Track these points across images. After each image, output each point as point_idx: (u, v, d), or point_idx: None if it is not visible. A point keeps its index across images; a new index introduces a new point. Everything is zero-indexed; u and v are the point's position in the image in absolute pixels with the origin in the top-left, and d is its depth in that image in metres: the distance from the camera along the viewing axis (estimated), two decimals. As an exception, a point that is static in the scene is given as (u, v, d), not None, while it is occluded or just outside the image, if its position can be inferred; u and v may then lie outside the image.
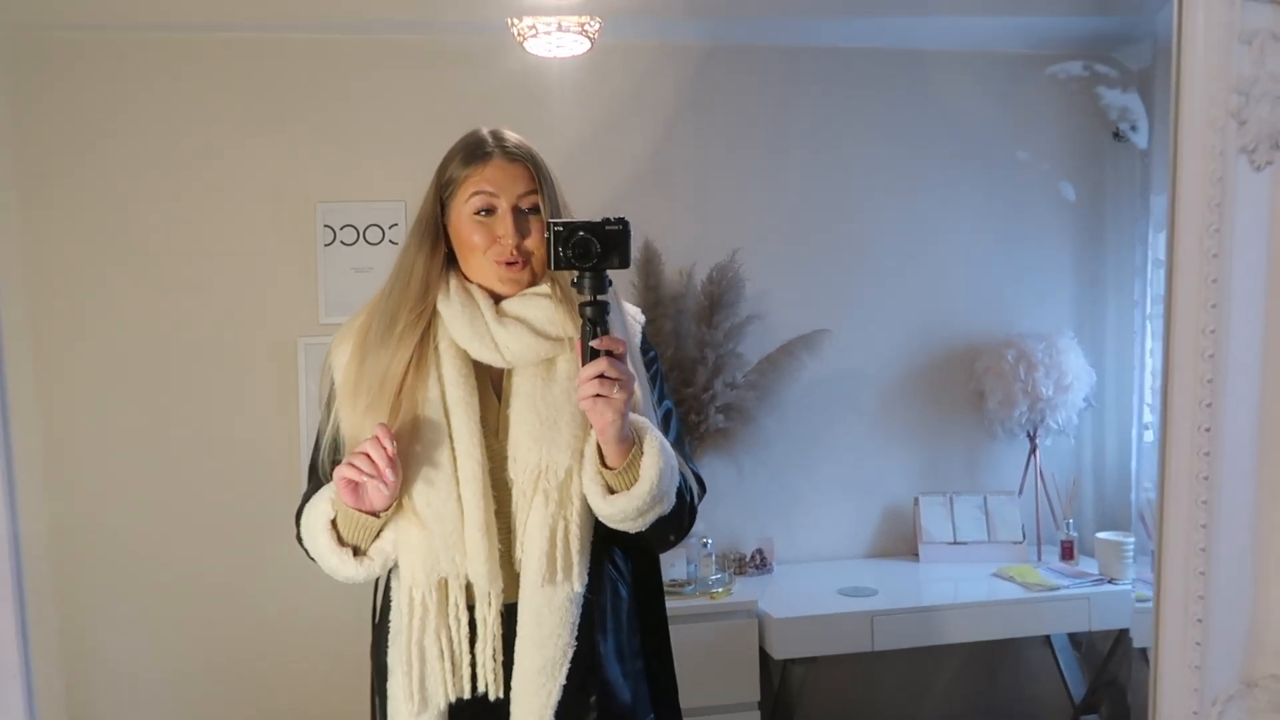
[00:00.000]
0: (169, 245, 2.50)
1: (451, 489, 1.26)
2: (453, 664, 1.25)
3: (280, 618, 2.51)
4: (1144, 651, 2.50)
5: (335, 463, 1.30)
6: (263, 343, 2.54)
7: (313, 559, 1.33)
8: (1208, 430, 0.65)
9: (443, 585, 1.26)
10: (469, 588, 1.27)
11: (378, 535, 1.29)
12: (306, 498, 1.36)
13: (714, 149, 2.77)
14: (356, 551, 1.29)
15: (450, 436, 1.28)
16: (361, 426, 1.27)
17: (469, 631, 1.26)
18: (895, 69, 2.85)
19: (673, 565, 2.44)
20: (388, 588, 1.35)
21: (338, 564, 1.28)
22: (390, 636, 1.31)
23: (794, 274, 2.81)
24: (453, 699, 1.26)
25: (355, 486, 1.23)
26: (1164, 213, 2.53)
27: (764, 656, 2.40)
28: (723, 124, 2.77)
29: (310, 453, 1.39)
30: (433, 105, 2.57)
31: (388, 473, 1.20)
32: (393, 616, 1.32)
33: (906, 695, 2.88)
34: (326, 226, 2.58)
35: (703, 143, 2.76)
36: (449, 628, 1.26)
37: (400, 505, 1.27)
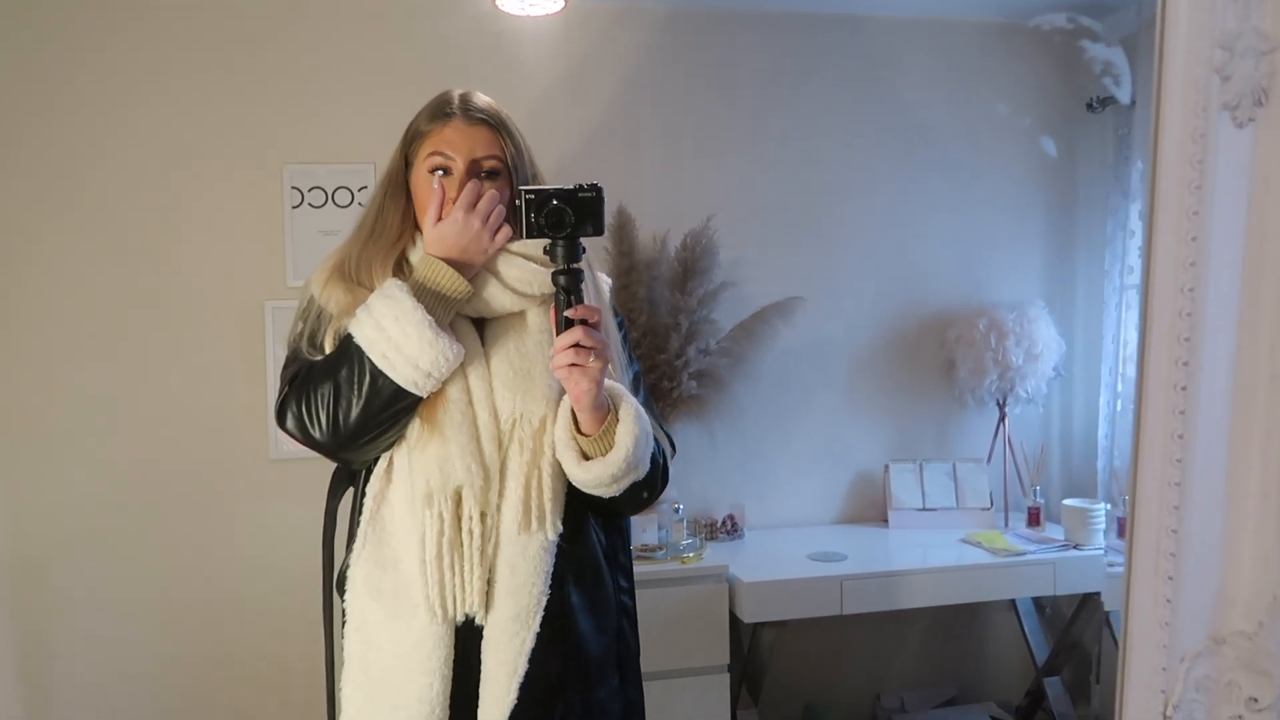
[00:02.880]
0: (133, 208, 2.44)
1: (466, 401, 1.26)
2: (462, 578, 1.25)
3: (247, 584, 2.49)
4: (1108, 615, 2.55)
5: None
6: (229, 307, 2.50)
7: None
8: (1183, 389, 0.65)
9: (457, 495, 1.25)
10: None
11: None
12: (298, 368, 1.31)
13: (689, 113, 2.74)
14: None
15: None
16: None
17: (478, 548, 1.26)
18: (871, 36, 2.83)
19: (644, 530, 2.45)
20: (357, 511, 1.33)
21: (433, 344, 1.21)
22: (385, 553, 1.29)
23: (768, 241, 2.81)
24: (470, 612, 1.26)
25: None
26: (1133, 183, 2.54)
27: (734, 620, 2.41)
28: (698, 88, 2.74)
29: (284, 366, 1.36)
30: (402, 65, 2.52)
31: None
32: (387, 531, 1.30)
33: (874, 658, 2.92)
34: (294, 188, 2.53)
35: (678, 107, 2.73)
36: (463, 542, 1.25)
37: (427, 412, 1.27)
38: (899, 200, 2.89)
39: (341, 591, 1.34)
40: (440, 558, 1.24)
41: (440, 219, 1.28)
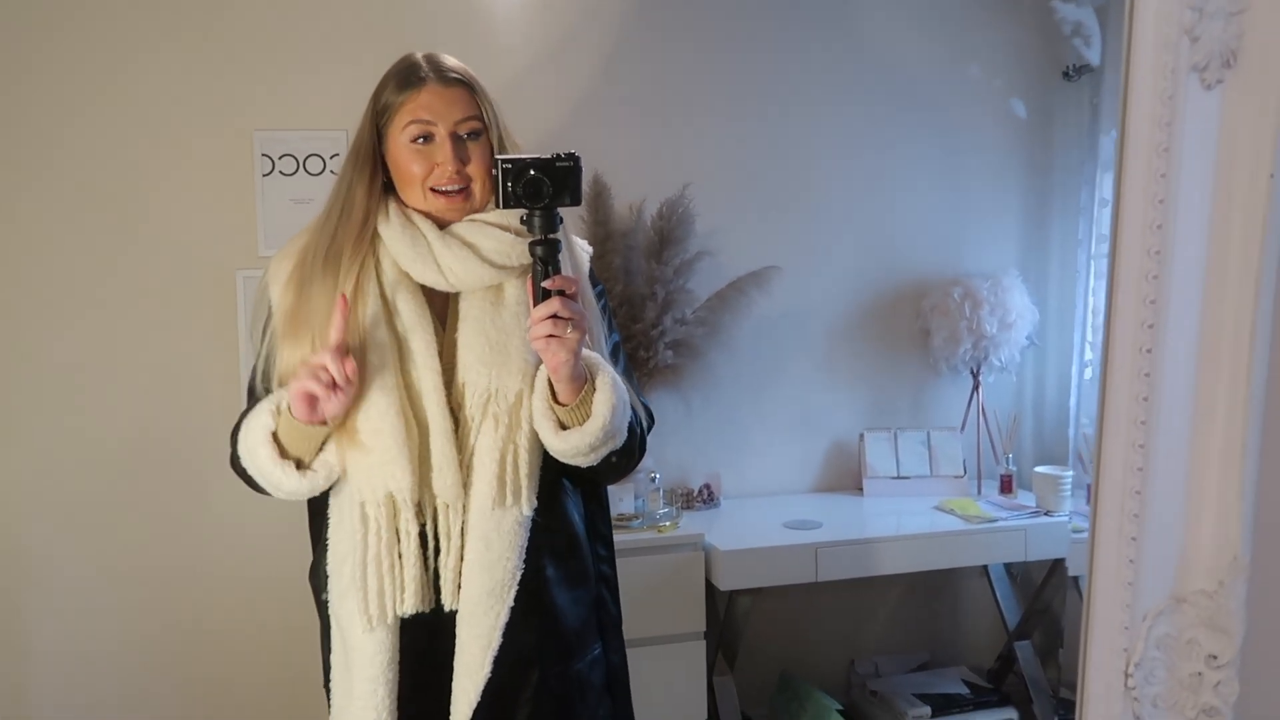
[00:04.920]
0: (99, 175, 2.39)
1: (394, 405, 1.24)
2: (403, 580, 1.25)
3: (222, 553, 2.48)
4: (1076, 580, 2.59)
5: (268, 390, 1.29)
6: (199, 276, 2.46)
7: (249, 480, 1.31)
8: (1149, 352, 0.65)
9: (390, 501, 1.25)
10: (422, 503, 1.27)
11: (321, 447, 1.26)
12: (243, 416, 1.33)
13: (666, 82, 2.72)
14: (299, 465, 1.27)
15: (399, 354, 1.27)
16: (298, 358, 1.26)
17: (422, 546, 1.26)
18: (847, 5, 2.81)
19: (620, 500, 2.45)
20: (326, 508, 1.34)
21: (280, 478, 1.25)
22: (334, 557, 1.30)
23: (744, 210, 2.80)
24: (404, 614, 1.26)
25: (312, 400, 1.19)
26: (1108, 153, 2.54)
27: (710, 588, 2.43)
28: (674, 57, 2.72)
29: (249, 375, 1.37)
30: (375, 30, 2.48)
31: (346, 387, 1.19)
32: (333, 536, 1.31)
33: (849, 624, 2.96)
34: (264, 156, 2.49)
35: (653, 75, 2.71)
36: (399, 543, 1.25)
37: (344, 423, 1.26)
38: (875, 171, 2.89)
39: (314, 587, 1.36)
40: (364, 565, 1.25)
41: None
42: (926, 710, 2.64)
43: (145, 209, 2.42)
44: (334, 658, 1.32)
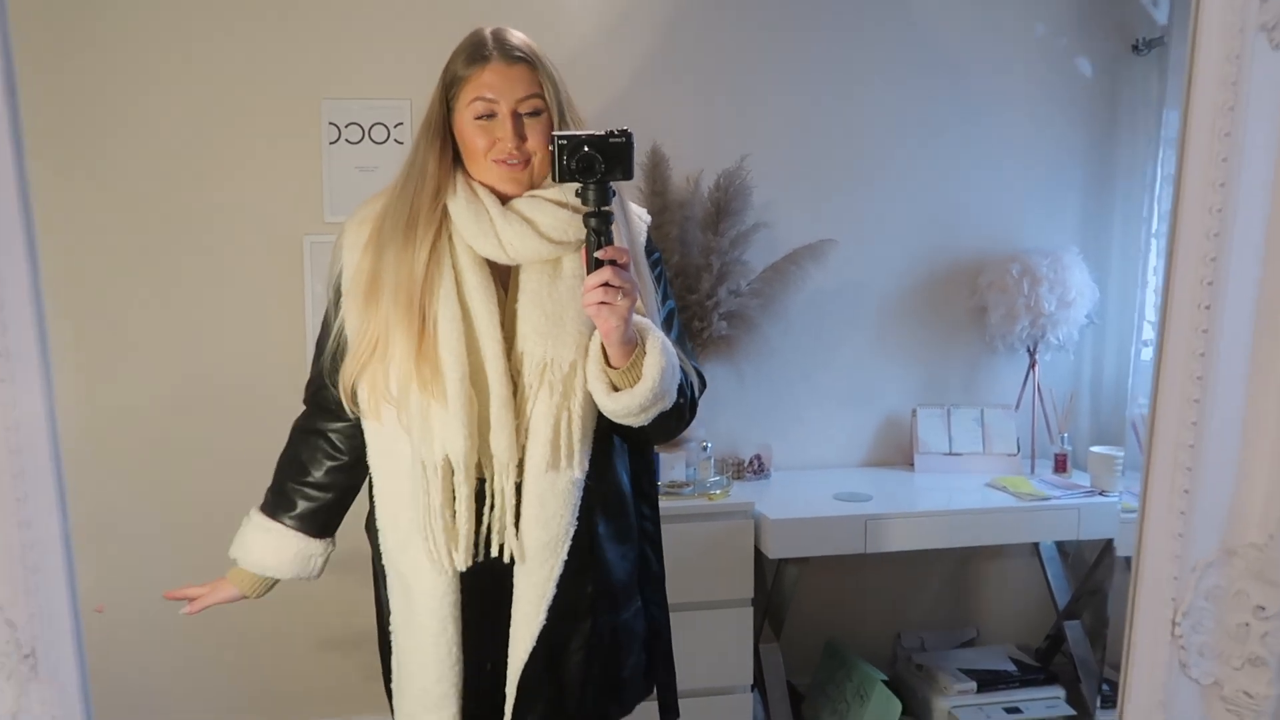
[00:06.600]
0: (170, 143, 2.48)
1: (461, 375, 1.31)
2: (460, 535, 1.33)
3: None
4: (1127, 560, 2.56)
5: (338, 345, 1.40)
6: (267, 241, 2.54)
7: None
8: (1207, 308, 0.66)
9: (446, 463, 1.32)
10: (481, 463, 1.34)
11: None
12: (310, 389, 1.46)
13: (723, 53, 2.72)
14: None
15: (469, 324, 1.33)
16: (373, 322, 1.33)
17: (478, 502, 1.34)
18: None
19: (672, 467, 2.49)
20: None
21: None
22: (384, 512, 1.40)
23: (802, 183, 2.80)
24: (461, 568, 1.34)
25: None
26: (1175, 132, 2.48)
27: (759, 556, 2.46)
28: (733, 28, 2.72)
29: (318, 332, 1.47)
30: (439, 2, 2.52)
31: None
32: (380, 492, 1.41)
33: (896, 598, 2.97)
34: (331, 124, 2.55)
35: (712, 46, 2.72)
36: (454, 500, 1.33)
37: (413, 384, 1.32)
38: (934, 144, 2.86)
39: (370, 536, 1.45)
40: (428, 517, 1.32)
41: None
42: (972, 685, 2.65)
43: (217, 175, 2.51)
44: (394, 603, 1.41)
